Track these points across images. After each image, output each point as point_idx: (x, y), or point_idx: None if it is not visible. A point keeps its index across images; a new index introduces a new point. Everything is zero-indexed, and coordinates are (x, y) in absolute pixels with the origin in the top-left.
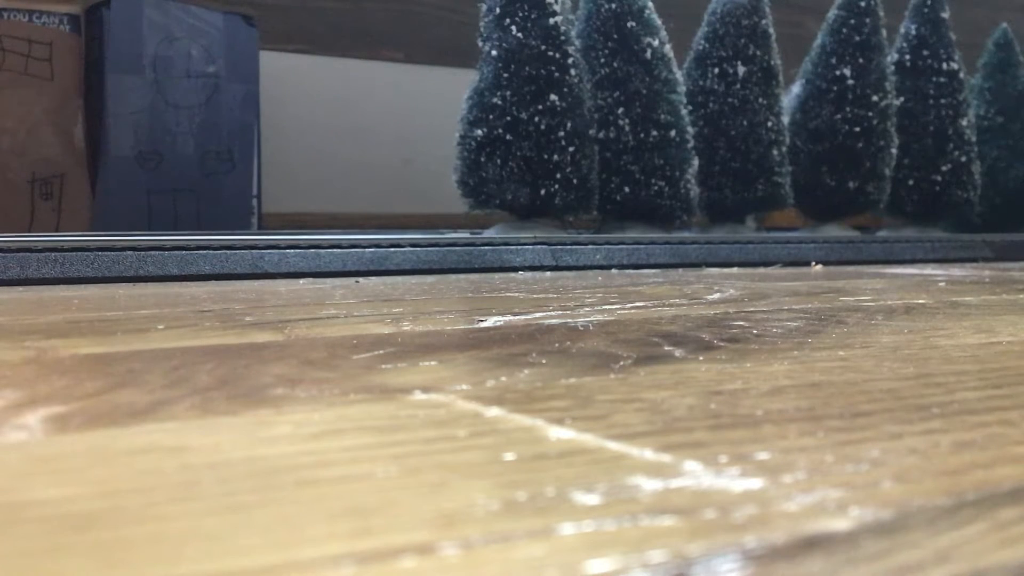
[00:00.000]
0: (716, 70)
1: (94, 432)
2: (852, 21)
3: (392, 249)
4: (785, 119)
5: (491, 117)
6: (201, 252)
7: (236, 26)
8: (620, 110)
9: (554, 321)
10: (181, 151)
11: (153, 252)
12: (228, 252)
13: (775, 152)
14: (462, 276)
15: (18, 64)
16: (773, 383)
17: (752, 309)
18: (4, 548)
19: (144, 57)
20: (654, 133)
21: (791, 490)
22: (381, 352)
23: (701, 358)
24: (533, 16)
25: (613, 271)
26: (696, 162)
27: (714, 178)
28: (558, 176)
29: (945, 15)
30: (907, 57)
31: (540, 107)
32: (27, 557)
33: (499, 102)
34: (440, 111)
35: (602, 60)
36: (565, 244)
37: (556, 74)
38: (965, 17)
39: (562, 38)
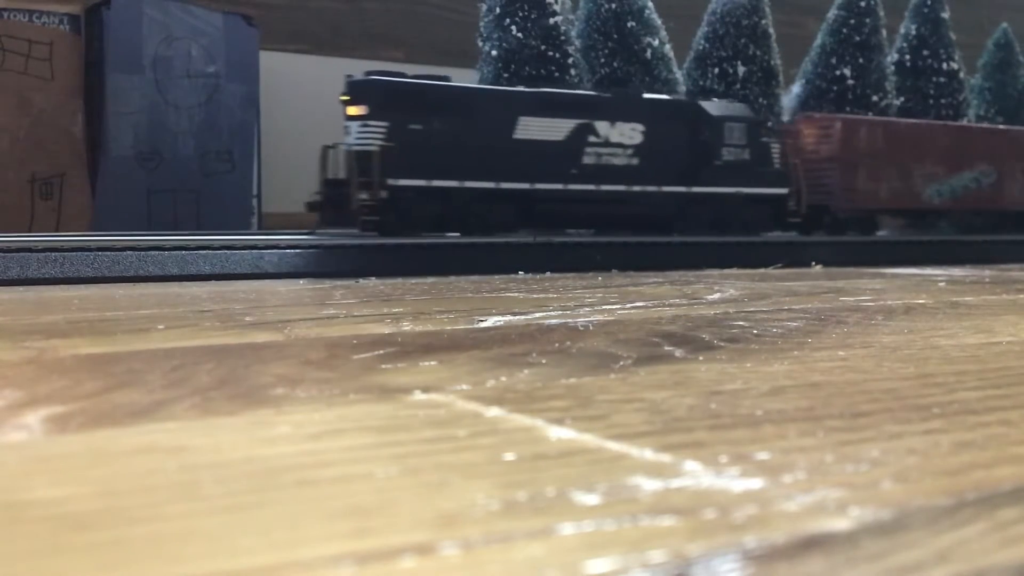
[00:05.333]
0: (716, 70)
1: (94, 432)
2: (852, 21)
3: (399, 250)
4: (785, 119)
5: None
6: (201, 252)
7: (236, 26)
8: None
9: (554, 321)
10: (181, 151)
11: (153, 252)
12: (228, 252)
13: None
14: (462, 276)
15: (18, 64)
16: (773, 383)
17: (752, 309)
18: (4, 548)
19: (144, 57)
20: None
21: (791, 490)
22: (381, 352)
23: (701, 358)
24: (533, 16)
25: (613, 271)
26: None
27: None
28: None
29: (945, 15)
30: (907, 57)
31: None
32: (27, 557)
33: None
34: None
35: (602, 60)
36: (566, 244)
37: (556, 74)
38: (965, 17)
39: (562, 38)
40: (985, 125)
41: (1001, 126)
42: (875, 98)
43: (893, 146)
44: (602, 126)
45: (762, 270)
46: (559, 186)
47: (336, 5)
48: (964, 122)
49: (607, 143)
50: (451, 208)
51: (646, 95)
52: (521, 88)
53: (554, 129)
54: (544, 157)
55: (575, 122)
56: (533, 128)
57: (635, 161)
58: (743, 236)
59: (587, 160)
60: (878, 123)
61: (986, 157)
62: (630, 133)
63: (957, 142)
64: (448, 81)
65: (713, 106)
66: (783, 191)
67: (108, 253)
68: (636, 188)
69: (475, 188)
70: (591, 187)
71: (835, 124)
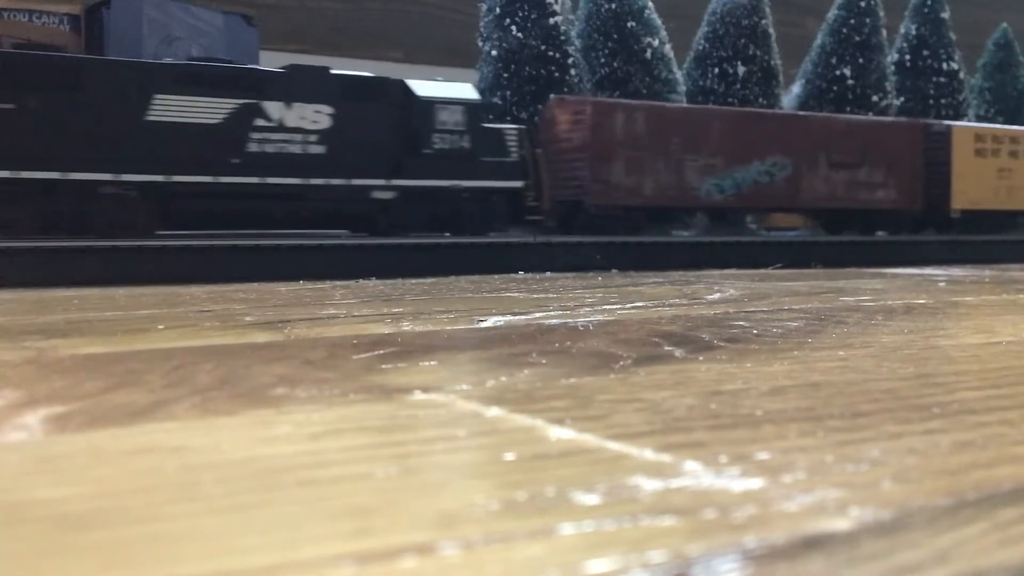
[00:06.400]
0: (716, 70)
1: (94, 432)
2: (852, 21)
3: (399, 250)
4: None
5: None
6: (201, 252)
7: (236, 26)
8: None
9: (554, 321)
10: None
11: (153, 252)
12: (228, 252)
13: None
14: (462, 276)
15: None
16: (773, 383)
17: (752, 309)
18: (4, 548)
19: (144, 57)
20: None
21: (791, 490)
22: (381, 352)
23: (701, 358)
24: (533, 16)
25: (613, 271)
26: None
27: None
28: None
29: (945, 15)
30: (907, 57)
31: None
32: (27, 557)
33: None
34: None
35: (602, 60)
36: (566, 244)
37: (556, 74)
38: (965, 17)
39: (562, 38)
40: (778, 111)
41: (801, 112)
42: (875, 98)
43: (659, 134)
44: (274, 107)
45: (762, 270)
46: (207, 179)
47: (336, 5)
48: (753, 108)
49: (281, 127)
50: (57, 206)
51: (335, 71)
52: (160, 61)
53: (205, 110)
54: (190, 143)
55: (237, 102)
56: (175, 108)
57: (320, 149)
58: (744, 236)
59: (253, 148)
60: (639, 107)
61: (780, 147)
62: (313, 116)
63: (742, 130)
64: (67, 53)
65: (423, 86)
66: (516, 184)
67: (108, 253)
68: (318, 181)
69: (86, 181)
70: (254, 180)
71: (586, 108)
